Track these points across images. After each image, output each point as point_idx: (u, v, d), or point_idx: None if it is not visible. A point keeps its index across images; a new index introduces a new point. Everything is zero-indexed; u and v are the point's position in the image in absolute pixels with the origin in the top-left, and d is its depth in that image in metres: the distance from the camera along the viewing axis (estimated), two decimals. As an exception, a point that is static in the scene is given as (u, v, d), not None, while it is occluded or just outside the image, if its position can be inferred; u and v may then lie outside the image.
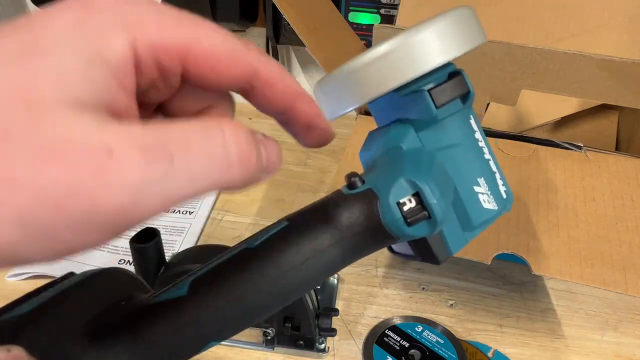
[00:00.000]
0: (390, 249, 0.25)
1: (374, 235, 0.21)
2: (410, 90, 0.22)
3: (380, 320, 0.46)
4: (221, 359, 0.42)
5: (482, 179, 0.23)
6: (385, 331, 0.44)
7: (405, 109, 0.23)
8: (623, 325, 0.48)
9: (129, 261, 0.52)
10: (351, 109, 0.23)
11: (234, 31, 0.90)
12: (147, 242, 0.38)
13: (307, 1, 0.51)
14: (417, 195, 0.20)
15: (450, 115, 0.22)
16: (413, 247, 0.23)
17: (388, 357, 0.42)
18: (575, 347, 0.45)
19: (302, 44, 0.49)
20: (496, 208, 0.23)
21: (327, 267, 0.21)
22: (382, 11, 0.75)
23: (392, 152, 0.23)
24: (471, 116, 0.23)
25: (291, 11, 0.47)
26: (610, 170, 0.44)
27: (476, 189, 0.23)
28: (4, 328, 0.19)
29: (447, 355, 0.42)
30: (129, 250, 0.39)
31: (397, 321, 0.46)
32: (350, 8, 0.75)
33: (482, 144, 0.23)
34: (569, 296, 0.51)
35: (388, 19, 0.74)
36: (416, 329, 0.45)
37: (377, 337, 0.44)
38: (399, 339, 0.44)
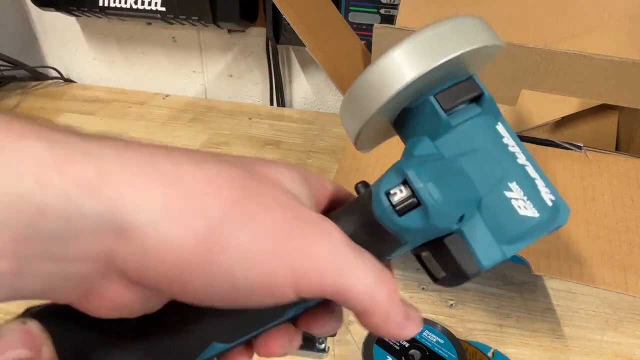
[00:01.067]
0: (435, 280, 0.23)
1: (369, 231, 0.21)
2: (419, 102, 0.22)
3: (380, 320, 0.46)
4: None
5: (515, 183, 0.21)
6: (385, 331, 0.44)
7: (419, 122, 0.22)
8: (623, 325, 0.48)
9: (129, 261, 0.52)
10: (361, 124, 0.22)
11: (234, 31, 0.90)
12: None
13: (307, 1, 0.51)
14: (407, 183, 0.20)
15: (467, 120, 0.22)
16: (439, 261, 0.22)
17: (388, 357, 0.42)
18: (575, 347, 0.45)
19: (302, 44, 0.49)
20: (537, 215, 0.21)
21: None
22: (382, 11, 0.75)
23: (402, 159, 0.22)
24: (499, 122, 0.22)
25: (291, 11, 0.47)
26: (610, 170, 0.44)
27: (507, 194, 0.21)
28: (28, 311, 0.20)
29: (447, 355, 0.42)
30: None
31: (397, 321, 0.46)
32: (350, 8, 0.75)
33: (514, 149, 0.22)
34: (569, 296, 0.51)
35: (388, 19, 0.74)
36: (416, 329, 0.45)
37: (377, 337, 0.44)
38: (399, 339, 0.44)
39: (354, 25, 0.75)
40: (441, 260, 0.21)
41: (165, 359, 0.21)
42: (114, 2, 0.80)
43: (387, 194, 0.20)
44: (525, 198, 0.21)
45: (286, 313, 0.22)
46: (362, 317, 0.19)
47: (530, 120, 0.61)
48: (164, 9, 0.79)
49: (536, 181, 0.21)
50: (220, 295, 0.17)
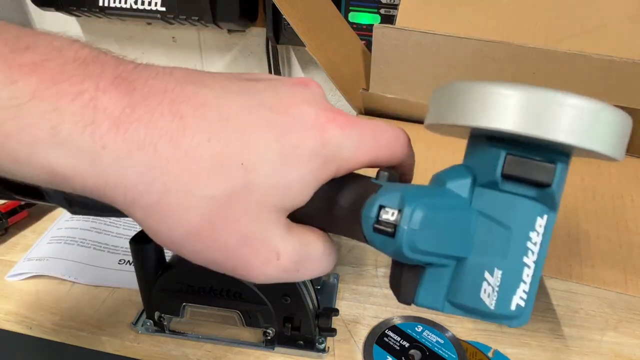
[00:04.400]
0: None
1: (351, 214, 0.22)
2: (496, 145, 0.21)
3: (380, 320, 0.46)
4: (221, 359, 0.42)
5: (500, 273, 0.21)
6: (385, 331, 0.44)
7: (482, 160, 0.21)
8: (623, 325, 0.48)
9: (129, 261, 0.52)
10: (458, 124, 0.21)
11: (234, 31, 0.90)
12: (147, 242, 0.38)
13: (307, 1, 0.51)
14: (400, 213, 0.20)
15: (515, 194, 0.20)
16: (392, 267, 0.23)
17: (388, 357, 0.42)
18: (575, 347, 0.45)
19: (302, 44, 0.49)
20: (491, 308, 0.21)
21: None
22: (382, 11, 0.75)
23: (433, 181, 0.22)
24: (545, 217, 0.21)
25: (291, 11, 0.47)
26: (610, 170, 0.44)
27: (486, 274, 0.21)
28: None
29: (447, 355, 0.42)
30: (129, 250, 0.39)
31: (397, 321, 0.46)
32: (350, 8, 0.75)
33: (532, 248, 0.21)
34: (569, 296, 0.51)
35: (388, 19, 0.74)
36: (416, 329, 0.45)
37: (377, 337, 0.44)
38: (399, 339, 0.44)
39: (354, 25, 0.75)
40: (394, 270, 0.23)
41: None
42: (114, 2, 0.80)
43: (381, 207, 0.20)
44: (496, 289, 0.21)
45: None
46: None
47: (530, 120, 0.61)
48: (164, 9, 0.79)
49: (521, 284, 0.21)
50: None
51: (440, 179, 0.22)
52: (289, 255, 0.22)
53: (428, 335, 0.44)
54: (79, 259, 0.52)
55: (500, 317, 0.21)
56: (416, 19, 0.61)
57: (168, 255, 0.41)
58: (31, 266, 0.51)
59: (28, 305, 0.47)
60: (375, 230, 0.20)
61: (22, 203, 0.58)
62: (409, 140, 0.25)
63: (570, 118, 0.18)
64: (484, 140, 0.21)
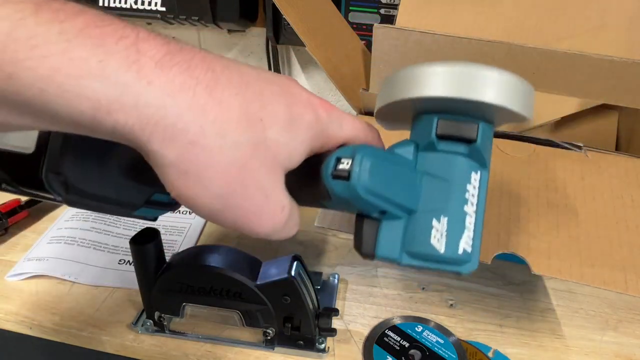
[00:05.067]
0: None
1: (315, 175, 0.25)
2: (428, 115, 0.25)
3: (380, 320, 0.46)
4: (221, 359, 0.42)
5: (446, 219, 0.24)
6: (385, 331, 0.44)
7: (420, 130, 0.25)
8: (623, 325, 0.48)
9: (129, 261, 0.52)
10: (398, 99, 0.25)
11: (234, 31, 0.90)
12: (147, 242, 0.38)
13: (307, 1, 0.51)
14: (353, 160, 0.23)
15: (450, 153, 0.24)
16: (355, 225, 0.26)
17: (388, 357, 0.42)
18: (575, 347, 0.45)
19: (302, 44, 0.49)
20: (442, 252, 0.24)
21: None
22: (382, 11, 0.75)
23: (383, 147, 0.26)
24: (479, 172, 0.25)
25: (291, 11, 0.47)
26: (610, 170, 0.44)
27: (434, 222, 0.24)
28: None
29: (447, 355, 0.42)
30: (129, 250, 0.39)
31: (397, 321, 0.46)
32: (350, 8, 0.75)
33: (471, 199, 0.24)
34: (569, 296, 0.51)
35: (388, 19, 0.74)
36: (416, 329, 0.45)
37: (377, 337, 0.44)
38: (399, 339, 0.44)
39: (354, 25, 0.75)
40: (357, 231, 0.26)
41: None
42: (114, 2, 0.80)
43: (338, 159, 0.24)
44: (444, 234, 0.24)
45: None
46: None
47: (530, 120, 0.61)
48: (164, 9, 0.79)
49: (465, 230, 0.24)
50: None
51: (390, 148, 0.26)
52: (288, 210, 0.25)
53: (428, 335, 0.44)
54: (79, 259, 0.52)
55: (450, 260, 0.24)
56: (416, 19, 0.60)
57: (168, 255, 0.41)
58: (31, 266, 0.51)
59: (28, 305, 0.47)
60: (334, 177, 0.23)
61: (22, 203, 0.58)
62: (379, 133, 0.29)
63: (486, 83, 0.22)
64: (422, 115, 0.25)
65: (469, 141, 0.24)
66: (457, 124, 0.24)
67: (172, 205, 0.33)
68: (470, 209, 0.24)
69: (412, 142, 0.25)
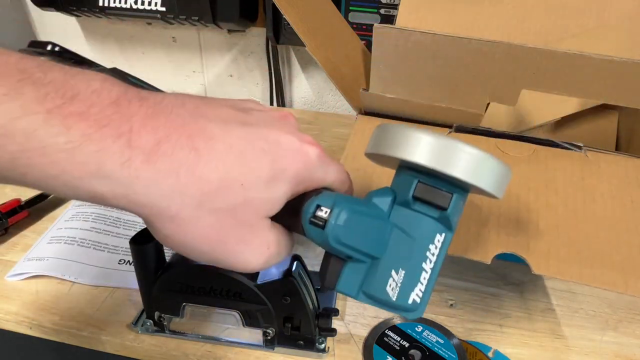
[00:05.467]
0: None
1: (292, 214, 0.28)
2: (412, 175, 0.27)
3: (380, 320, 0.46)
4: (221, 359, 0.42)
5: (404, 272, 0.27)
6: (385, 331, 0.44)
7: (401, 184, 0.28)
8: (623, 325, 0.48)
9: (128, 261, 0.52)
10: (385, 154, 0.27)
11: (234, 31, 0.90)
12: (147, 242, 0.38)
13: (307, 1, 0.51)
14: (331, 212, 0.26)
15: (422, 214, 0.27)
16: (323, 259, 0.29)
17: (388, 357, 0.42)
18: (575, 347, 0.45)
19: (302, 44, 0.49)
20: (394, 299, 0.27)
21: None
22: (382, 11, 0.75)
23: (366, 197, 0.29)
24: (444, 234, 0.27)
25: (291, 11, 0.47)
26: (610, 170, 0.44)
27: (392, 273, 0.27)
28: None
29: (447, 355, 0.42)
30: (129, 250, 0.39)
31: (397, 321, 0.46)
32: (350, 8, 0.75)
33: (431, 257, 0.27)
34: (569, 296, 0.51)
35: (388, 19, 0.74)
36: (416, 329, 0.45)
37: (377, 337, 0.44)
38: (399, 339, 0.44)
39: (354, 25, 0.75)
40: (323, 265, 0.29)
41: None
42: (114, 2, 0.80)
43: (318, 206, 0.26)
44: (399, 285, 0.27)
45: None
46: None
47: (530, 120, 0.61)
48: (164, 9, 0.79)
49: (419, 284, 0.27)
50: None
51: (370, 195, 0.28)
52: (274, 244, 0.28)
53: (428, 335, 0.44)
54: (79, 259, 0.52)
55: (400, 307, 0.27)
56: (416, 19, 0.60)
57: (168, 255, 0.41)
58: (31, 266, 0.51)
59: (28, 305, 0.47)
60: (311, 222, 0.26)
61: (22, 203, 0.58)
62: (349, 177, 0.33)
63: (464, 161, 0.25)
64: (405, 169, 0.28)
65: (441, 208, 0.27)
66: (433, 191, 0.27)
67: None
68: (427, 266, 0.27)
69: (391, 192, 0.28)
